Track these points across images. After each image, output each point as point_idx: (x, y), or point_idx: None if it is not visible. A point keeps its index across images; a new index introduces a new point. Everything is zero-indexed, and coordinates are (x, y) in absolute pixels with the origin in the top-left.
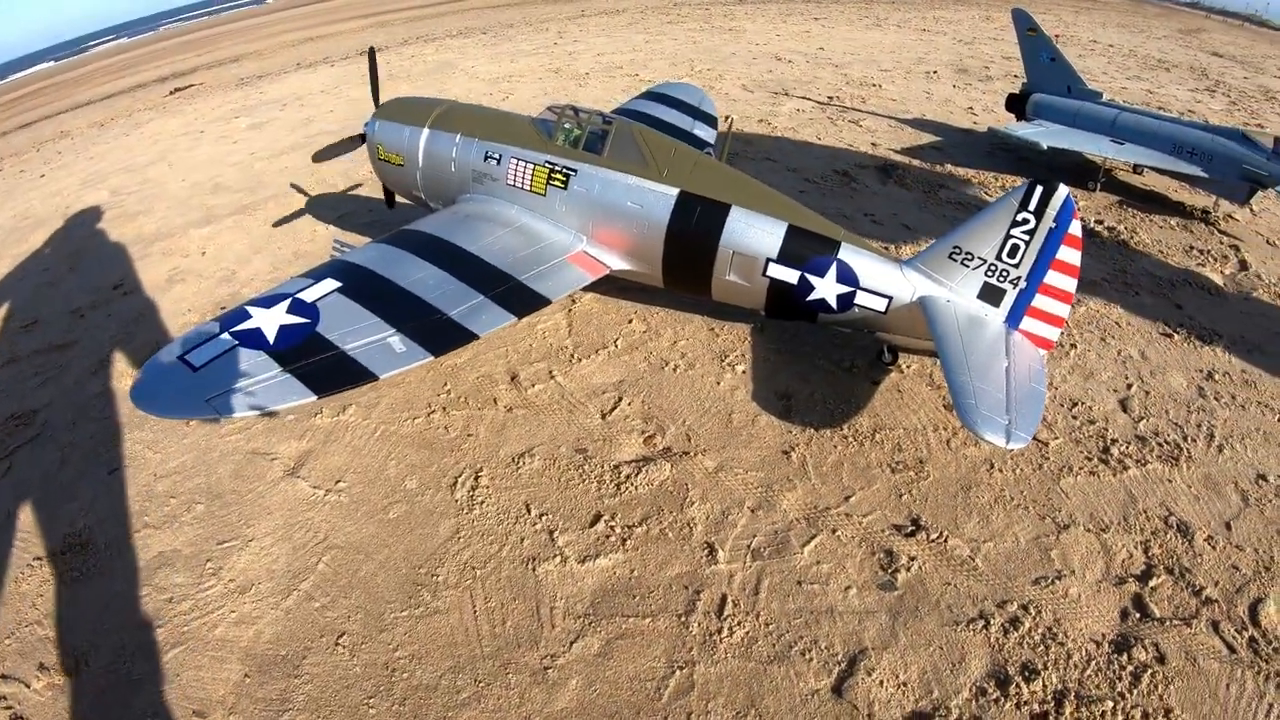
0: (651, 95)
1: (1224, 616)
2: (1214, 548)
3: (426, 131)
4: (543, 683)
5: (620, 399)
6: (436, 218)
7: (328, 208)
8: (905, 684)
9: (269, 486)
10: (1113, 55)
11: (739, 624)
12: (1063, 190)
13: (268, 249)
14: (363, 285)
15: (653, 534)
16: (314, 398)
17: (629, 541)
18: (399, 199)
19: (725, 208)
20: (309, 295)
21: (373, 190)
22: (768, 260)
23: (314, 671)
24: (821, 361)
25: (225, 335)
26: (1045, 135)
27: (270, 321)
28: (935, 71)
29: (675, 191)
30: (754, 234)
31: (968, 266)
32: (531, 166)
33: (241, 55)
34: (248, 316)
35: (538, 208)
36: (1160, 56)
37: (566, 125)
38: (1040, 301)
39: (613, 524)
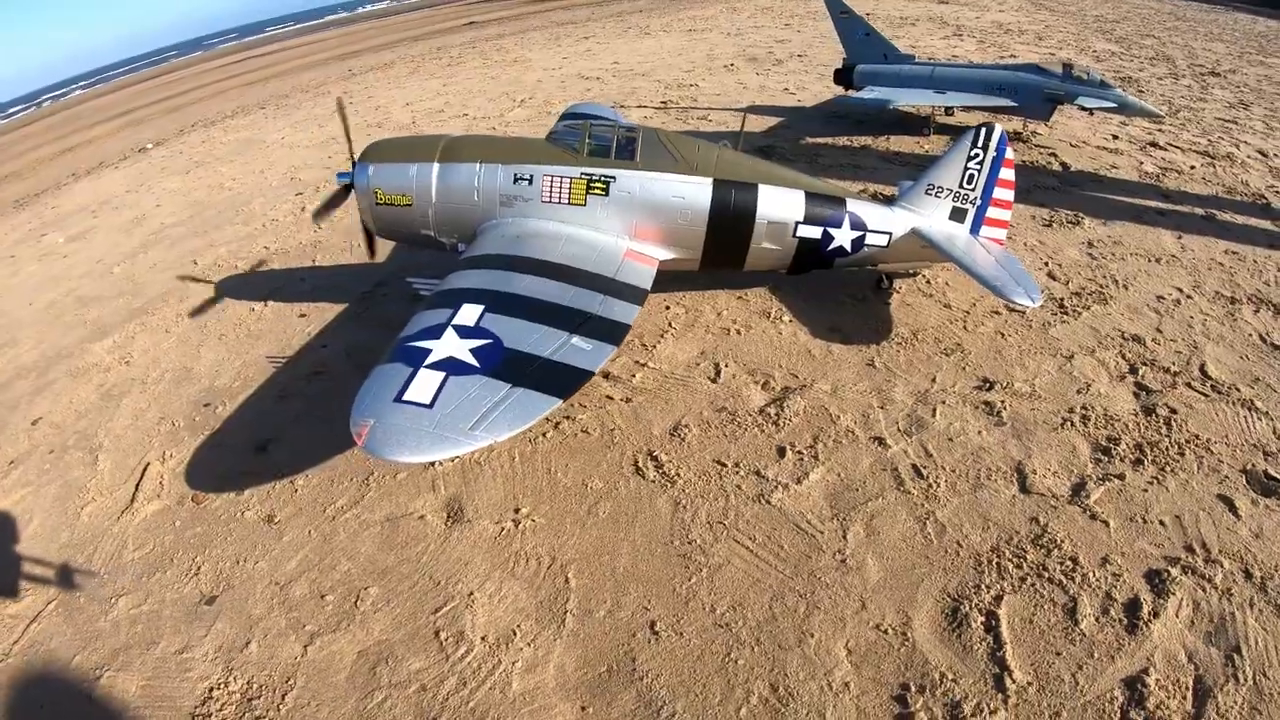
0: (574, 116)
1: (1190, 378)
2: (1159, 344)
3: (437, 166)
4: (850, 570)
5: (717, 364)
6: (492, 242)
7: (248, 287)
8: (1056, 472)
9: (441, 542)
10: None
11: (937, 478)
12: (999, 128)
13: (208, 340)
14: (502, 303)
15: (830, 446)
16: (561, 401)
17: (819, 456)
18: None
19: (754, 187)
20: (465, 319)
21: (287, 261)
22: (796, 223)
23: (654, 665)
24: (842, 299)
25: (425, 370)
26: (887, 95)
27: (458, 348)
28: (732, 64)
29: (710, 181)
30: (782, 204)
31: (940, 198)
32: (568, 180)
33: None
34: (428, 351)
35: (576, 219)
36: (900, 14)
37: (591, 139)
38: (991, 212)
39: (798, 450)
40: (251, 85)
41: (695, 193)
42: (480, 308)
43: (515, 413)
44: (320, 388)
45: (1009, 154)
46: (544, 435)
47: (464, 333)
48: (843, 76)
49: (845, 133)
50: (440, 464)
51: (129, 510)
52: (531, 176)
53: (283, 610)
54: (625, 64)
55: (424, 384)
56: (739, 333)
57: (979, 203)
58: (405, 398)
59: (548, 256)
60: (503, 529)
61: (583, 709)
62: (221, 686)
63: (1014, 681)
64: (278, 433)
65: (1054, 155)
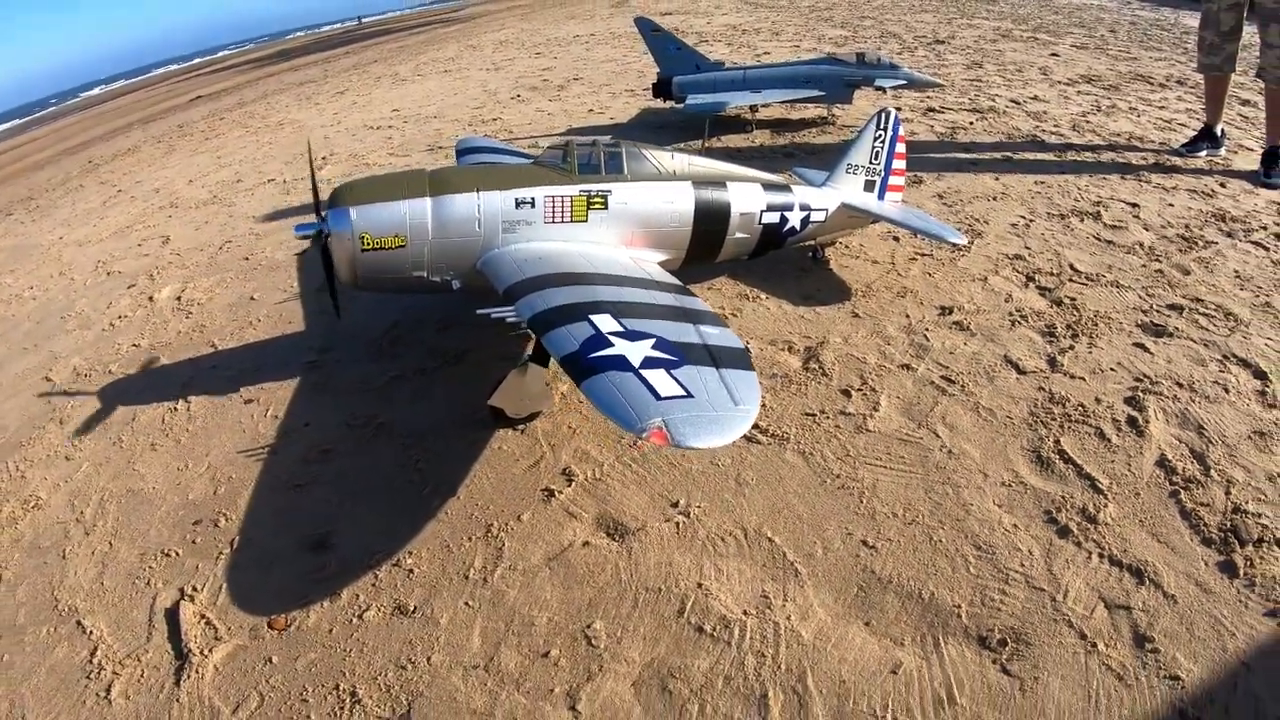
0: (470, 150)
1: (1069, 276)
2: (1033, 257)
3: (430, 200)
4: (959, 456)
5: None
6: (520, 267)
7: (146, 389)
8: (1031, 356)
9: (627, 557)
10: (597, 41)
11: (963, 381)
12: (893, 112)
13: (138, 454)
14: (618, 309)
15: (877, 379)
16: (755, 372)
17: (876, 389)
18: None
19: (724, 184)
20: (610, 328)
21: (176, 353)
22: (760, 212)
23: (889, 569)
24: (796, 273)
25: (646, 370)
26: (716, 100)
27: (642, 348)
28: (518, 95)
29: (690, 184)
30: (747, 197)
31: (855, 174)
32: (569, 199)
33: None
34: (623, 356)
35: (578, 235)
36: (633, 32)
37: (579, 157)
38: (892, 180)
39: (858, 389)
40: None
41: (681, 195)
42: (608, 315)
43: (743, 385)
44: (344, 465)
45: (901, 131)
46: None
47: (627, 336)
48: (661, 89)
49: (680, 138)
50: (553, 495)
51: (188, 667)
52: (533, 199)
53: (509, 688)
54: (407, 110)
55: (661, 381)
56: (735, 315)
57: (882, 174)
58: (663, 395)
59: (580, 270)
60: (678, 524)
61: (866, 624)
62: None
63: (1102, 485)
64: (328, 524)
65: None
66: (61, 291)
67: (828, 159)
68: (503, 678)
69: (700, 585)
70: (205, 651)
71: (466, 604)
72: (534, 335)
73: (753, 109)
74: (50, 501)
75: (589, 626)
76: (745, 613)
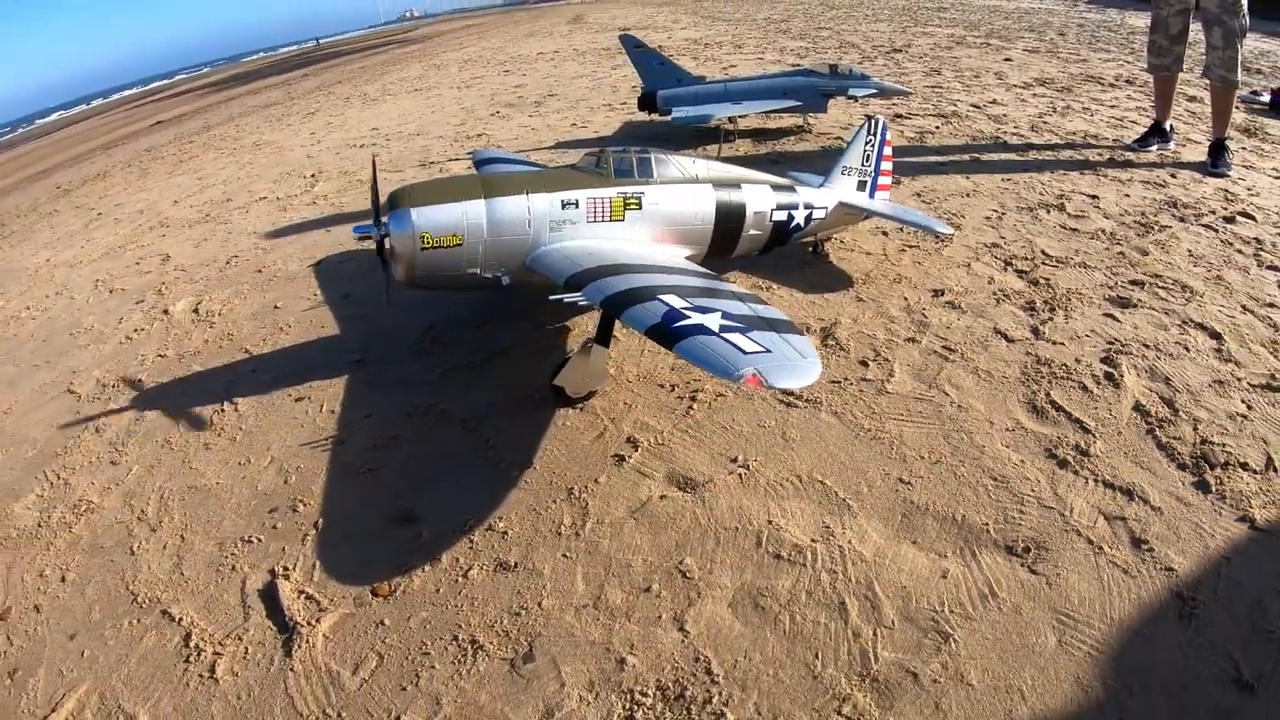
0: (488, 160)
1: (1041, 260)
2: (1009, 244)
3: (484, 202)
4: (967, 409)
5: None
6: (571, 260)
7: (186, 394)
8: (1018, 328)
9: (703, 505)
10: (563, 58)
11: (961, 349)
12: (880, 119)
13: (194, 453)
14: (679, 291)
15: (888, 351)
16: (805, 335)
17: (888, 359)
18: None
19: (739, 186)
20: (680, 305)
21: (209, 360)
22: (771, 211)
23: (925, 499)
24: (799, 266)
25: (728, 334)
26: (702, 112)
27: (716, 318)
28: (498, 112)
29: (710, 186)
30: (759, 197)
31: (850, 176)
32: (608, 200)
33: None
34: (702, 325)
35: (616, 233)
36: (596, 46)
37: (615, 163)
38: (881, 180)
39: (873, 360)
40: None
41: (703, 197)
42: (674, 295)
43: (802, 344)
44: (413, 450)
45: (889, 136)
46: (690, 409)
47: (698, 311)
48: (646, 103)
49: (666, 146)
50: (626, 459)
51: (297, 638)
52: (577, 201)
53: (621, 620)
54: (387, 128)
55: (741, 341)
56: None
57: (873, 175)
58: (747, 351)
59: (629, 262)
60: (740, 476)
61: (914, 543)
62: (635, 705)
63: (1090, 426)
64: (410, 500)
65: (839, 138)
66: (63, 310)
67: (810, 163)
68: (613, 612)
69: (770, 522)
70: (312, 622)
71: (564, 555)
72: (596, 318)
73: (732, 120)
74: (103, 504)
75: (681, 563)
76: (813, 540)
